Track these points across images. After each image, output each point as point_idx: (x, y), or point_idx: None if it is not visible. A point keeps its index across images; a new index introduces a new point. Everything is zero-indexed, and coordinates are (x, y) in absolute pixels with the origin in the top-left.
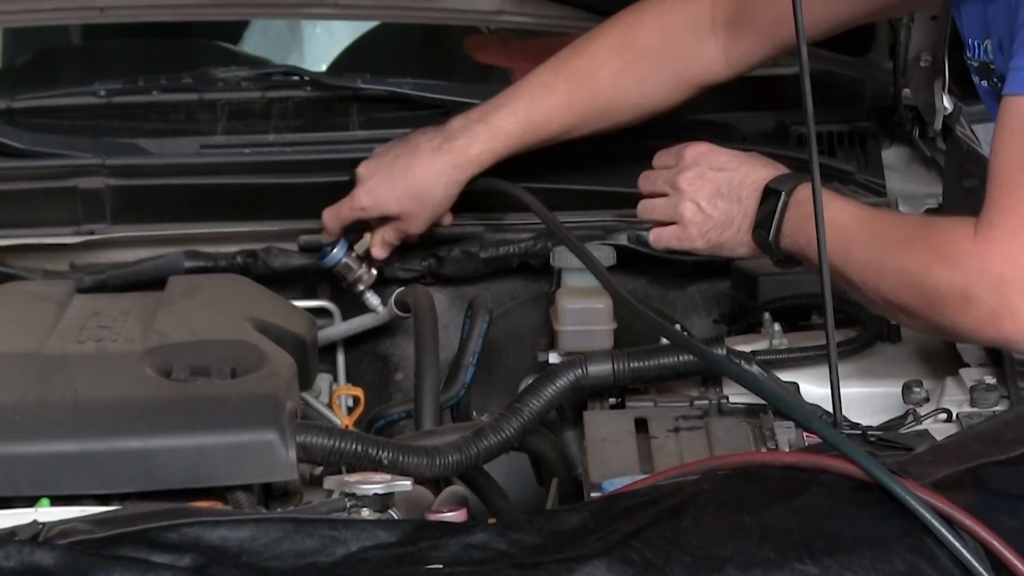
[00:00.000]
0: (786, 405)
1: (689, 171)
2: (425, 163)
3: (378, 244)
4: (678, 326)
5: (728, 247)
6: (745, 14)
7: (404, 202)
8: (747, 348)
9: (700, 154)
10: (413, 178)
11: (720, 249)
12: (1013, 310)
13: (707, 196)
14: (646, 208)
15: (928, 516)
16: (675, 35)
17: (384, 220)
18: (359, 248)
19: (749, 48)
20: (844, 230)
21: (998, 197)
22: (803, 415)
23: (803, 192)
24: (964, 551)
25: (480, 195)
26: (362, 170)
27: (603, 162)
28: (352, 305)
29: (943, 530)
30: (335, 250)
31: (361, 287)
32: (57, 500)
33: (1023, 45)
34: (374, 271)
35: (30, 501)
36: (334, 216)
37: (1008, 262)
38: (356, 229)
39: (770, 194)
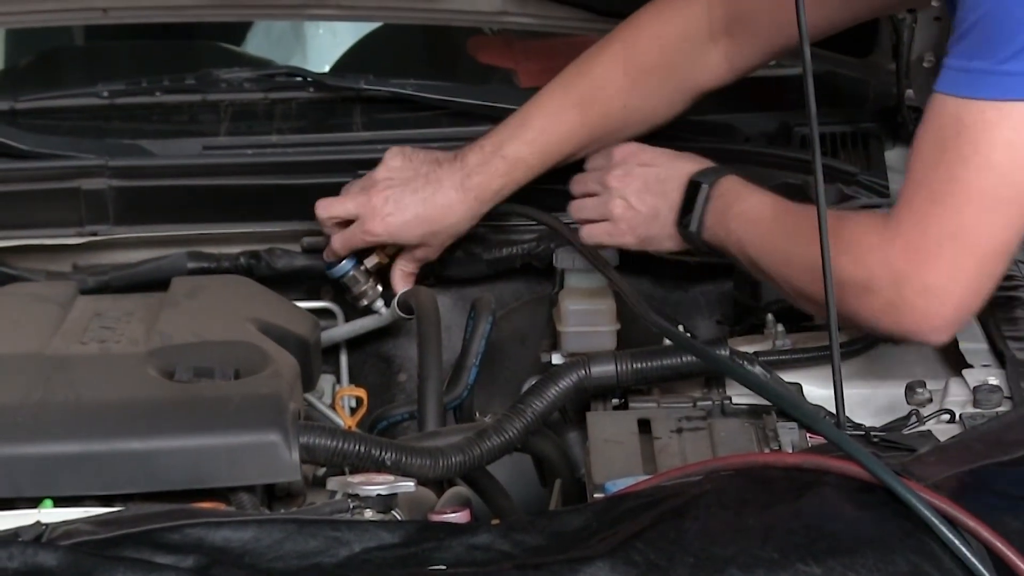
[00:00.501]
0: (790, 405)
1: (617, 169)
2: (450, 199)
3: (399, 278)
4: (680, 327)
5: (656, 240)
6: (743, 19)
7: (427, 236)
8: (750, 349)
9: (629, 153)
10: (437, 213)
11: (649, 243)
12: (910, 305)
13: (635, 192)
14: (577, 208)
15: (931, 517)
16: (675, 48)
17: (395, 246)
18: (368, 263)
19: (749, 51)
20: (758, 223)
21: (907, 194)
22: (807, 415)
23: (724, 184)
24: (967, 552)
25: None
26: (376, 200)
27: None
28: (355, 306)
29: (946, 531)
30: (343, 261)
31: (365, 302)
32: (60, 501)
33: (956, 43)
34: (379, 287)
35: (33, 502)
36: (344, 242)
37: (908, 258)
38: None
39: (693, 187)
